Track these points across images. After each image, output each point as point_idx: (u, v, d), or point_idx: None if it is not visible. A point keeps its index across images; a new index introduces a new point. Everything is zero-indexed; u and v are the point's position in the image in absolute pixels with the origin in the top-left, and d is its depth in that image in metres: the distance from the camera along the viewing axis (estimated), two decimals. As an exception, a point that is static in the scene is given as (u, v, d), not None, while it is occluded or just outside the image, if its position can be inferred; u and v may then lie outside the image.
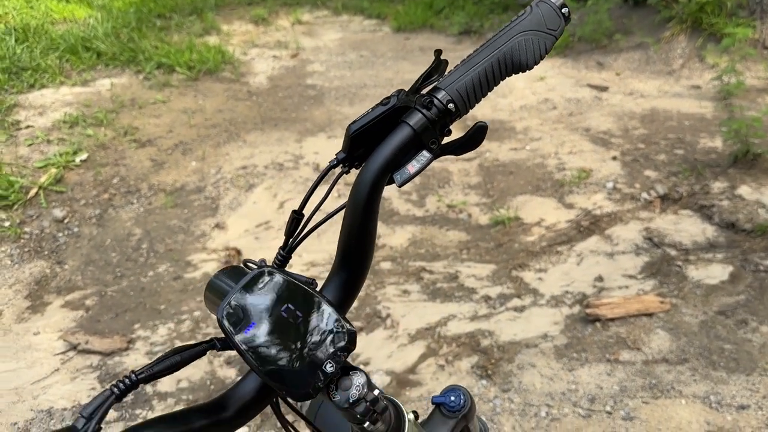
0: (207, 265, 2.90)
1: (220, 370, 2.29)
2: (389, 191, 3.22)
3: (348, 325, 0.60)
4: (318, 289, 0.64)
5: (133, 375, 0.57)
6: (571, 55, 4.99)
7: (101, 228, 3.14)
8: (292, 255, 0.69)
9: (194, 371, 2.30)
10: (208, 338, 0.64)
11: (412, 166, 0.61)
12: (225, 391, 0.62)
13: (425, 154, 0.62)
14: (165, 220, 3.17)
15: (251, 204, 3.28)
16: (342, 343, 0.59)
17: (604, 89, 4.18)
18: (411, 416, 0.70)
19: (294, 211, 0.67)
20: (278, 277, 0.60)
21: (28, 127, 3.91)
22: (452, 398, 0.90)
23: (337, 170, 0.68)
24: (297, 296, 0.59)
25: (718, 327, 2.35)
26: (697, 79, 4.44)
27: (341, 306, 0.66)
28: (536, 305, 2.54)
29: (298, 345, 0.58)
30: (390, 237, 2.95)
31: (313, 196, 0.67)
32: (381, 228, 3.01)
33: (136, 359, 2.44)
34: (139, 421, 0.60)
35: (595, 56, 4.88)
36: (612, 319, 2.42)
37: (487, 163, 3.36)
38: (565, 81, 4.40)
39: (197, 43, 5.32)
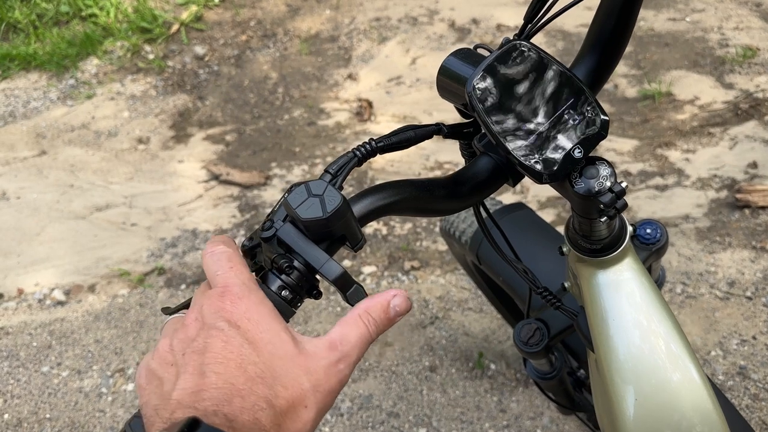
0: (339, 114, 2.92)
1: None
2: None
3: (601, 111, 0.56)
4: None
5: (373, 142, 0.56)
6: None
7: (239, 69, 3.20)
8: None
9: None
10: (435, 122, 0.62)
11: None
12: (461, 169, 0.61)
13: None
14: (300, 67, 3.18)
15: (383, 57, 3.21)
16: (593, 130, 0.55)
17: (783, -39, 3.68)
18: (630, 229, 0.67)
19: (540, -9, 0.61)
20: (531, 53, 0.56)
21: (169, -36, 3.95)
22: (648, 230, 0.86)
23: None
24: (549, 74, 0.55)
25: None
26: None
27: (591, 89, 0.62)
28: (680, 186, 2.40)
29: (547, 126, 0.54)
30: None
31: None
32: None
33: (273, 194, 2.55)
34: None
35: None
36: (763, 207, 2.26)
37: (640, 32, 3.09)
38: (737, -51, 3.88)
39: None
